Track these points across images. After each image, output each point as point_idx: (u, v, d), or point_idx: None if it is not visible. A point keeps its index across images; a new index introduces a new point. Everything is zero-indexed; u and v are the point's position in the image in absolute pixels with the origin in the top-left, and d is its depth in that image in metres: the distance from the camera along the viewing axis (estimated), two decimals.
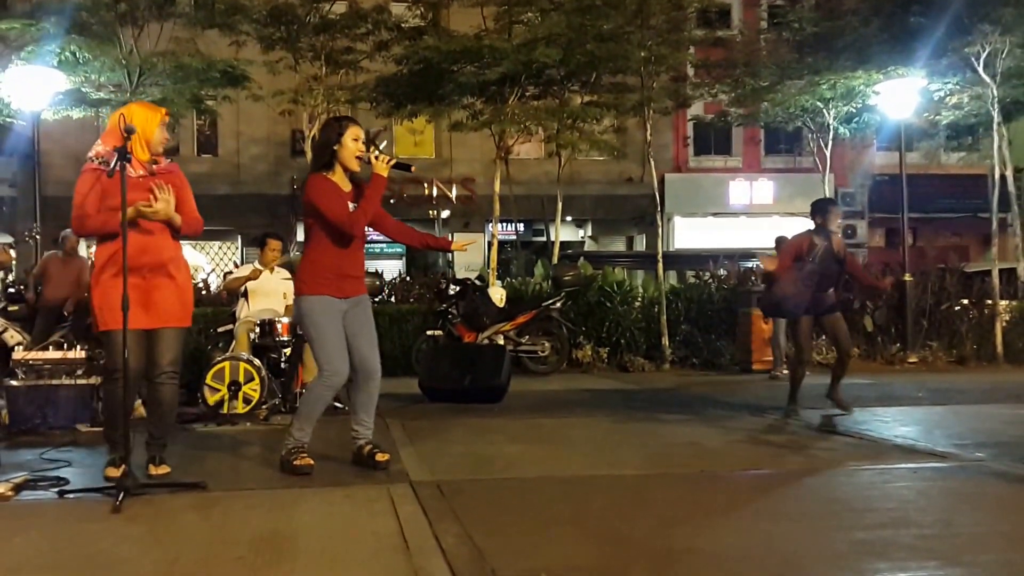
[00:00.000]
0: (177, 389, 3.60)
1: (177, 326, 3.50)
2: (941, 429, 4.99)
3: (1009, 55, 9.52)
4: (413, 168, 3.76)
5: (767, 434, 4.73)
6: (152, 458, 3.53)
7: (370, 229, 3.74)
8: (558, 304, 8.68)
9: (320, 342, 3.53)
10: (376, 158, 3.56)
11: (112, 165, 3.23)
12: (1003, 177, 10.39)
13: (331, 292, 3.52)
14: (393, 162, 3.61)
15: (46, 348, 5.06)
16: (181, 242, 3.62)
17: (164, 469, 3.52)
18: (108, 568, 2.39)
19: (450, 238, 4.02)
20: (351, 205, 3.55)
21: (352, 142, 3.53)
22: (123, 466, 3.40)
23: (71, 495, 3.23)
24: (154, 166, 3.50)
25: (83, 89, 10.14)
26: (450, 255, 17.61)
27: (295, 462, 3.51)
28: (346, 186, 3.59)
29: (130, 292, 3.28)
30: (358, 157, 3.54)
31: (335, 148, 3.54)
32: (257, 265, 6.15)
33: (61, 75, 9.36)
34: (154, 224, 3.42)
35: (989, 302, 9.67)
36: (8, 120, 10.52)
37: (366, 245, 3.74)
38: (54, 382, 4.74)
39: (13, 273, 6.70)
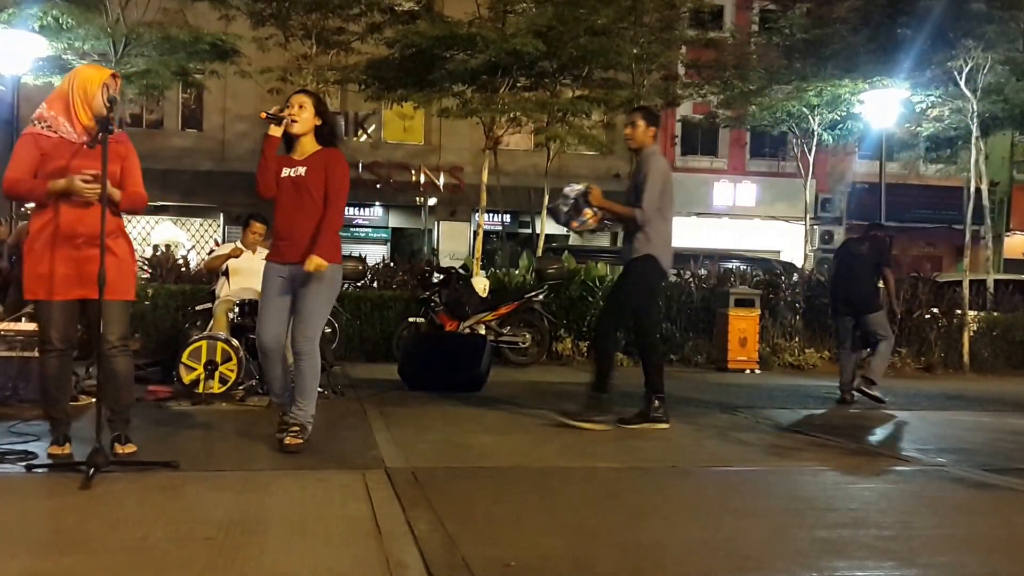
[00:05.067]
0: (131, 361, 3.53)
1: (118, 299, 3.36)
2: (905, 434, 5.11)
3: (990, 71, 9.69)
4: (267, 112, 3.85)
5: (737, 432, 4.81)
6: (118, 437, 3.46)
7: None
8: (541, 296, 8.71)
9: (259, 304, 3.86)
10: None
11: (95, 135, 3.19)
12: (978, 190, 10.59)
13: (272, 258, 3.80)
14: (273, 115, 3.77)
15: (18, 319, 4.98)
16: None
17: (131, 448, 3.46)
18: (75, 545, 2.38)
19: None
20: (297, 170, 3.70)
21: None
22: (67, 444, 3.40)
23: (39, 470, 3.19)
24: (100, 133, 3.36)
25: (65, 56, 9.93)
26: (435, 243, 17.60)
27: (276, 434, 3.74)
28: (302, 153, 3.76)
29: (63, 263, 3.24)
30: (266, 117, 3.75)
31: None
32: (239, 244, 6.11)
33: (43, 40, 9.16)
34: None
35: (959, 312, 9.87)
36: None
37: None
38: (26, 354, 4.65)
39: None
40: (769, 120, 12.43)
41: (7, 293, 7.00)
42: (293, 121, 3.70)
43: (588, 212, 4.68)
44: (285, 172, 3.71)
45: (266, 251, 6.04)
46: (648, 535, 2.68)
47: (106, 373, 3.40)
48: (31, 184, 3.27)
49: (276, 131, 3.72)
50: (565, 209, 4.71)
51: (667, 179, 4.68)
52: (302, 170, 3.70)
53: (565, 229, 5.87)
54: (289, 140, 3.76)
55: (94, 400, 3.34)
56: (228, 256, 5.88)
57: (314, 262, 3.57)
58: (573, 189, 4.75)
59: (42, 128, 3.31)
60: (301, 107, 3.70)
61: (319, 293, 3.68)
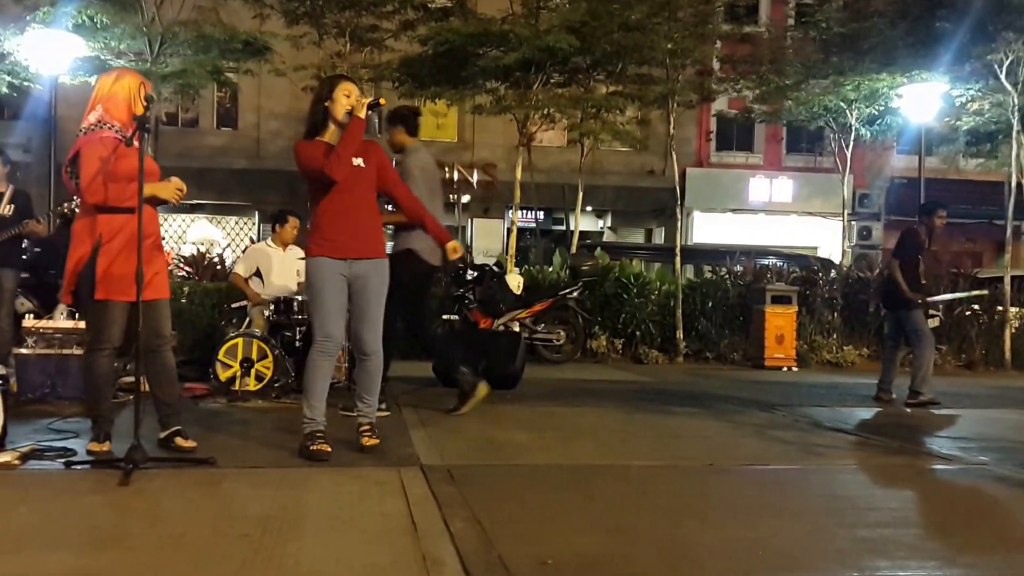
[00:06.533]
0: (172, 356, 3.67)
1: (168, 297, 3.59)
2: (946, 432, 4.99)
3: None
4: (382, 101, 3.69)
5: (775, 430, 4.73)
6: (179, 431, 3.56)
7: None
8: (575, 293, 8.67)
9: (314, 304, 3.54)
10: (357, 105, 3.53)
11: (131, 134, 3.26)
12: (1019, 185, 10.27)
13: (328, 253, 3.48)
14: (368, 101, 3.57)
15: (52, 317, 5.08)
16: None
17: (192, 443, 3.54)
18: (113, 541, 2.40)
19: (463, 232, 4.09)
20: (357, 160, 3.51)
21: (344, 97, 3.52)
22: (107, 441, 3.47)
23: (78, 466, 3.24)
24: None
25: (102, 56, 10.10)
26: (469, 240, 17.65)
27: (311, 447, 3.45)
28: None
29: (132, 264, 3.29)
30: (348, 112, 3.50)
31: (327, 104, 3.54)
32: (270, 243, 6.25)
33: (80, 40, 9.29)
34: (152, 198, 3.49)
35: (1000, 308, 9.61)
36: (26, 84, 10.47)
37: (385, 227, 3.76)
38: (64, 352, 4.74)
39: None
40: (806, 115, 12.21)
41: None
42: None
43: None
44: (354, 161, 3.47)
45: (299, 249, 6.16)
46: (685, 534, 2.65)
47: (157, 367, 3.52)
48: (124, 189, 3.32)
49: (361, 110, 3.51)
50: None
51: (425, 172, 4.70)
52: (360, 161, 3.53)
53: None
54: (323, 126, 3.55)
55: (132, 396, 3.41)
56: (250, 293, 5.91)
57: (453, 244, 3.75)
58: None
59: (115, 132, 3.39)
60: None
61: (384, 290, 3.60)
